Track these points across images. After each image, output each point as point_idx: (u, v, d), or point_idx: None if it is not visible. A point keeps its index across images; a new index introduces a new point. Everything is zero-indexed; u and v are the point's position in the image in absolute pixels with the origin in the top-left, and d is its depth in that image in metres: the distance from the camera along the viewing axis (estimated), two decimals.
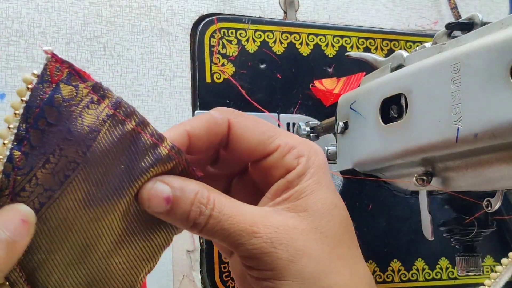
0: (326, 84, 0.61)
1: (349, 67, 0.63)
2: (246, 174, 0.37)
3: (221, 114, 0.33)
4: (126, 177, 0.29)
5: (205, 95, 0.58)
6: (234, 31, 0.60)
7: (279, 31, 0.62)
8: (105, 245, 0.29)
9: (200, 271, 0.56)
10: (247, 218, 0.31)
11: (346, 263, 0.33)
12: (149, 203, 0.30)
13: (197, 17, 0.60)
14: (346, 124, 0.46)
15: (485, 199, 0.40)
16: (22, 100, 0.28)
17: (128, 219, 0.30)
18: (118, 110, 0.28)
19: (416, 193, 0.44)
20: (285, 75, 0.62)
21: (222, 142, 0.34)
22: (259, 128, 0.34)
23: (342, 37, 0.64)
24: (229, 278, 0.56)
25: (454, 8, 0.71)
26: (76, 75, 0.28)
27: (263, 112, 0.59)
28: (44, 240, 0.28)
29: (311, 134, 0.57)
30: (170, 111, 0.58)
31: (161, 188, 0.30)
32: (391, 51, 0.65)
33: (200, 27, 0.59)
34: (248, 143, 0.33)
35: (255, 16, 0.62)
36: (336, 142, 0.48)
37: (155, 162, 0.29)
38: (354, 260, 0.34)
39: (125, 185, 0.29)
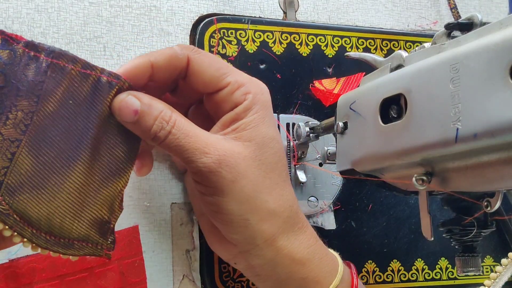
0: (326, 84, 0.61)
1: (348, 67, 0.63)
2: (201, 105, 0.43)
3: (182, 50, 0.38)
4: (79, 108, 0.34)
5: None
6: (233, 31, 0.60)
7: (279, 31, 0.62)
8: (79, 169, 0.34)
9: (200, 271, 0.56)
10: (201, 139, 0.37)
11: (276, 186, 0.40)
12: (120, 112, 0.35)
13: (196, 18, 0.60)
14: (345, 124, 0.46)
15: (485, 199, 0.40)
16: None
17: (92, 143, 0.34)
18: (54, 59, 0.33)
19: (416, 193, 0.44)
20: (285, 75, 0.62)
21: (181, 74, 0.39)
22: (214, 65, 0.39)
23: (341, 37, 0.64)
24: (229, 278, 0.56)
25: (453, 8, 0.71)
26: (9, 39, 0.32)
27: None
28: (24, 181, 0.33)
29: (311, 134, 0.57)
30: None
31: (132, 101, 0.35)
32: (390, 51, 0.65)
33: (199, 27, 0.59)
34: (203, 77, 0.39)
35: (254, 17, 0.62)
36: (336, 142, 0.48)
37: (98, 90, 0.34)
38: (282, 184, 0.40)
39: (79, 116, 0.34)
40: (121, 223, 0.52)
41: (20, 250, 0.48)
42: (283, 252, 0.41)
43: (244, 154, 0.37)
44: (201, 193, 0.39)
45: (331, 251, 0.46)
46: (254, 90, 0.39)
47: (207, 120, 0.42)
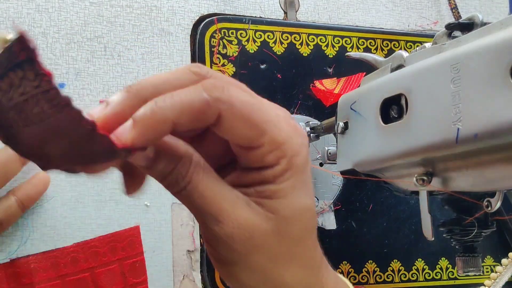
0: (326, 84, 0.61)
1: (349, 67, 0.63)
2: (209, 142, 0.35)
3: (214, 102, 0.29)
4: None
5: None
6: (234, 31, 0.60)
7: (280, 31, 0.62)
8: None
9: (200, 271, 0.56)
10: (216, 203, 0.31)
11: (299, 260, 0.34)
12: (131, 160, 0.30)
13: (197, 17, 0.60)
14: (346, 124, 0.46)
15: (485, 199, 0.40)
16: None
17: None
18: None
19: (416, 193, 0.44)
20: (285, 75, 0.62)
21: (209, 126, 0.31)
22: (249, 122, 0.31)
23: (342, 37, 0.64)
24: None
25: (454, 9, 0.71)
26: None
27: None
28: None
29: (311, 134, 0.57)
30: None
31: (145, 150, 0.29)
32: (391, 51, 0.65)
33: (200, 27, 0.59)
34: (234, 134, 0.31)
35: (255, 16, 0.62)
36: (336, 142, 0.48)
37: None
38: (305, 253, 0.35)
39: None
40: (122, 223, 0.52)
41: (20, 249, 0.48)
42: None
43: (263, 228, 0.32)
44: (210, 254, 0.34)
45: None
46: (291, 152, 0.32)
47: (224, 149, 0.35)
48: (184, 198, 0.31)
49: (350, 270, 0.61)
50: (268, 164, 0.32)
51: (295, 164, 0.32)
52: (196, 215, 0.32)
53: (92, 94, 0.55)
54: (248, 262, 0.32)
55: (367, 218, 0.63)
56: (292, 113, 0.61)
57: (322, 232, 0.61)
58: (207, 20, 0.59)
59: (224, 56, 0.59)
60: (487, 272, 0.65)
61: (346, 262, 0.61)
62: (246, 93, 0.31)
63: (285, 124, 0.32)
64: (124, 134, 0.28)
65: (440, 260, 0.65)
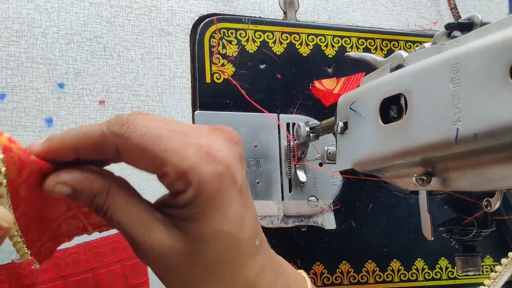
0: (326, 84, 0.61)
1: (348, 67, 0.63)
2: None
3: (110, 137, 0.32)
4: None
5: (205, 95, 0.59)
6: (234, 31, 0.60)
7: (279, 31, 0.62)
8: None
9: None
10: (132, 229, 0.34)
11: (217, 280, 0.35)
12: (51, 195, 0.33)
13: (197, 18, 0.60)
14: (345, 124, 0.46)
15: (485, 199, 0.40)
16: None
17: None
18: None
19: (416, 193, 0.44)
20: (285, 75, 0.62)
21: (112, 157, 0.34)
22: (148, 153, 0.32)
23: (341, 37, 0.64)
24: None
25: (453, 8, 0.71)
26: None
27: (263, 112, 0.59)
28: None
29: (311, 134, 0.57)
30: (170, 111, 0.58)
31: (63, 190, 0.33)
32: (390, 51, 0.65)
33: (200, 27, 0.59)
34: (138, 165, 0.33)
35: (255, 16, 0.62)
36: (336, 142, 0.48)
37: None
38: (228, 277, 0.35)
39: None
40: None
41: None
42: None
43: (178, 249, 0.33)
44: None
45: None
46: (197, 181, 0.32)
47: None
48: (108, 222, 0.35)
49: (349, 270, 0.61)
50: (177, 190, 0.33)
51: (204, 192, 0.32)
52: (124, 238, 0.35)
53: (92, 94, 0.55)
54: (168, 281, 0.35)
55: (367, 218, 0.63)
56: (291, 113, 0.61)
57: (321, 232, 0.61)
58: (207, 20, 0.59)
59: (224, 56, 0.59)
60: (487, 271, 0.65)
61: (345, 262, 0.61)
62: (157, 124, 0.33)
63: (193, 153, 0.32)
64: (34, 145, 0.33)
65: (439, 260, 0.65)
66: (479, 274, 0.48)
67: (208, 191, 0.33)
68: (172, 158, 0.32)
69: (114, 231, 0.53)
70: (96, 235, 0.51)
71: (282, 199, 0.59)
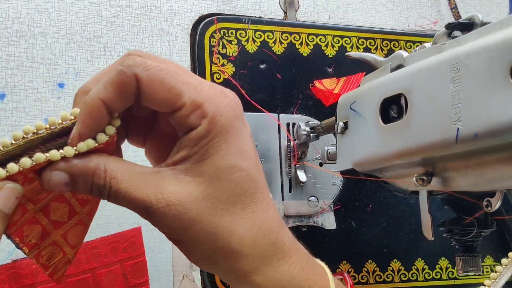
0: (326, 84, 0.61)
1: (349, 67, 0.63)
2: (159, 125, 0.38)
3: (128, 69, 0.32)
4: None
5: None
6: (234, 31, 0.60)
7: (279, 31, 0.62)
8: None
9: (200, 271, 0.56)
10: (141, 192, 0.32)
11: (239, 222, 0.34)
12: (50, 188, 0.32)
13: (197, 17, 0.60)
14: (346, 124, 0.46)
15: (485, 199, 0.40)
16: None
17: None
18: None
19: (416, 193, 0.44)
20: (285, 75, 0.62)
21: (136, 95, 0.34)
22: (166, 84, 0.33)
23: (342, 37, 0.64)
24: None
25: (454, 8, 0.71)
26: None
27: (263, 112, 0.59)
28: None
29: (311, 134, 0.57)
30: None
31: (58, 177, 0.32)
32: (391, 51, 0.65)
33: (200, 27, 0.59)
34: (155, 99, 0.33)
35: (255, 16, 0.62)
36: (336, 142, 0.48)
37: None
38: (249, 217, 0.35)
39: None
40: (122, 223, 0.52)
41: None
42: None
43: (194, 196, 0.33)
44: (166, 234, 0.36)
45: (326, 270, 0.41)
46: (212, 112, 0.33)
47: (168, 143, 0.37)
48: (116, 202, 0.33)
49: (350, 270, 0.61)
50: (191, 125, 0.33)
51: (218, 124, 0.33)
52: (133, 210, 0.33)
53: None
54: (190, 236, 0.33)
55: (367, 218, 0.63)
56: (291, 113, 0.61)
57: (322, 232, 0.61)
58: (207, 20, 0.59)
59: (224, 56, 0.59)
60: (487, 272, 0.65)
61: (345, 262, 0.61)
62: (170, 64, 0.34)
63: (208, 88, 0.34)
64: (72, 134, 0.32)
65: (440, 260, 0.65)
66: (479, 274, 0.48)
67: (222, 123, 0.33)
68: (189, 90, 0.33)
69: (113, 231, 0.53)
70: (96, 235, 0.51)
71: (282, 199, 0.59)
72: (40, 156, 0.31)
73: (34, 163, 0.31)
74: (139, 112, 0.37)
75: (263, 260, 0.36)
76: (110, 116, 0.33)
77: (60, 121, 0.32)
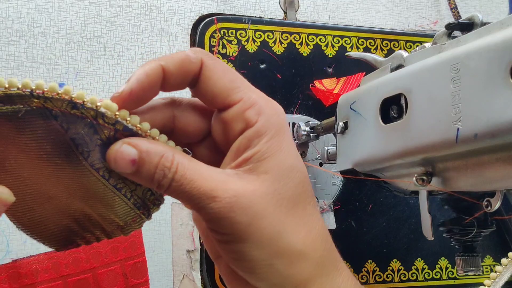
0: (326, 84, 0.61)
1: (349, 67, 0.63)
2: (209, 137, 0.38)
3: (195, 54, 0.34)
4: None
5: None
6: (234, 31, 0.60)
7: (279, 31, 0.62)
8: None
9: (200, 271, 0.56)
10: (208, 183, 0.32)
11: (302, 222, 0.34)
12: (115, 164, 0.32)
13: (197, 17, 0.60)
14: (346, 124, 0.46)
15: (485, 199, 0.40)
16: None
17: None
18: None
19: (416, 193, 0.44)
20: (285, 75, 0.62)
21: (193, 80, 0.34)
22: (228, 75, 0.34)
23: (342, 37, 0.64)
24: None
25: (454, 8, 0.71)
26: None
27: None
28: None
29: (311, 134, 0.57)
30: None
31: (128, 151, 0.31)
32: (391, 51, 0.65)
33: (200, 27, 0.59)
34: (215, 87, 0.34)
35: (255, 16, 0.62)
36: (336, 142, 0.48)
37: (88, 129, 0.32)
38: (310, 219, 0.35)
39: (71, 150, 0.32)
40: None
41: (21, 250, 0.48)
42: None
43: (260, 191, 0.32)
44: (219, 242, 0.34)
45: None
46: (269, 111, 0.34)
47: (216, 155, 0.38)
48: (176, 191, 0.32)
49: (349, 270, 0.61)
50: (248, 120, 0.33)
51: (275, 123, 0.34)
52: (192, 203, 0.32)
53: (92, 94, 0.55)
54: (254, 233, 0.32)
55: (367, 218, 0.63)
56: (291, 112, 0.61)
57: None
58: (207, 20, 0.59)
59: (224, 56, 0.59)
60: (487, 271, 0.65)
61: (345, 262, 0.61)
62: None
63: (258, 91, 0.35)
64: (122, 88, 0.32)
65: (439, 260, 0.65)
66: (479, 274, 0.48)
67: (279, 123, 0.34)
68: (245, 88, 0.35)
69: None
70: None
71: None
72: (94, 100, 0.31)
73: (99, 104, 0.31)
74: (184, 121, 0.37)
75: (321, 268, 0.35)
76: (165, 88, 0.34)
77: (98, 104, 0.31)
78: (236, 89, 0.34)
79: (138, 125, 0.32)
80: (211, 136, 0.37)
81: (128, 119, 0.32)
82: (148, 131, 0.33)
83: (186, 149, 0.34)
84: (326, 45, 0.64)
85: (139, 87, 0.32)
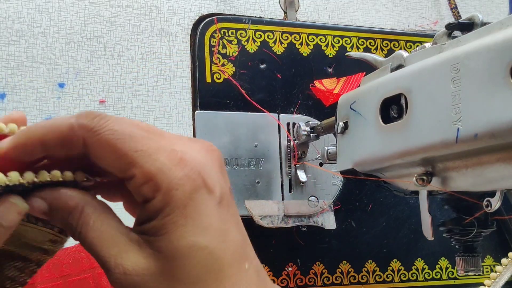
0: (326, 84, 0.61)
1: (349, 67, 0.63)
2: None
3: (79, 127, 0.31)
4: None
5: (205, 95, 0.59)
6: (234, 31, 0.60)
7: (279, 31, 0.62)
8: None
9: None
10: (104, 251, 0.32)
11: None
12: (31, 210, 0.32)
13: (197, 17, 0.60)
14: (346, 124, 0.46)
15: (485, 199, 0.40)
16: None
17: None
18: None
19: (416, 193, 0.44)
20: (285, 75, 0.62)
21: (79, 155, 0.32)
22: (115, 150, 0.30)
23: (342, 37, 0.64)
24: None
25: (454, 9, 0.71)
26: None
27: (264, 112, 0.59)
28: None
29: (311, 134, 0.57)
30: (170, 111, 0.58)
31: (39, 204, 0.32)
32: (391, 51, 0.65)
33: (200, 27, 0.59)
34: (104, 164, 0.31)
35: (255, 16, 0.62)
36: (336, 142, 0.48)
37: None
38: None
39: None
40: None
41: None
42: None
43: (152, 270, 0.31)
44: None
45: None
46: (167, 185, 0.30)
47: None
48: (82, 244, 0.33)
49: (349, 270, 0.61)
50: (145, 196, 0.31)
51: (174, 199, 0.30)
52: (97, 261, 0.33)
53: (92, 94, 0.55)
54: None
55: (367, 218, 0.63)
56: (291, 113, 0.61)
57: (322, 232, 0.61)
58: (207, 20, 0.59)
59: (224, 56, 0.59)
60: (487, 272, 0.65)
61: (345, 262, 0.61)
62: (131, 123, 0.31)
63: (165, 156, 0.31)
64: (3, 143, 0.31)
65: (440, 260, 0.65)
66: (479, 274, 0.48)
67: (179, 197, 0.30)
68: (141, 159, 0.30)
69: None
70: None
71: (282, 199, 0.59)
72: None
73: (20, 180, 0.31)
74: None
75: None
76: (45, 154, 0.32)
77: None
78: (128, 165, 0.30)
79: (35, 179, 0.31)
80: None
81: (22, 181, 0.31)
82: (48, 178, 0.32)
83: (88, 176, 0.33)
84: (326, 45, 0.64)
85: (16, 153, 0.32)
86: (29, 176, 0.31)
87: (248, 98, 0.59)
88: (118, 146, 0.30)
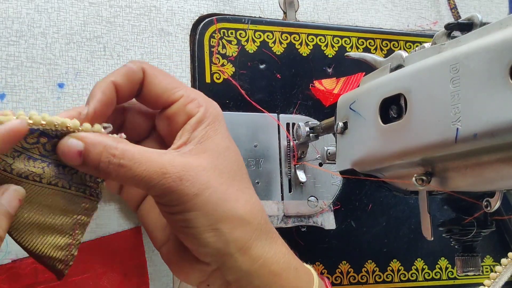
0: (326, 84, 0.61)
1: (348, 67, 0.63)
2: (153, 134, 0.44)
3: (135, 64, 0.40)
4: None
5: (205, 95, 0.58)
6: (233, 31, 0.60)
7: (279, 32, 0.62)
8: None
9: None
10: (156, 162, 0.36)
11: (242, 193, 0.39)
12: (65, 157, 0.35)
13: (196, 18, 0.60)
14: (345, 124, 0.47)
15: (485, 199, 0.40)
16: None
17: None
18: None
19: (416, 193, 0.44)
20: (285, 75, 0.62)
21: (139, 89, 0.40)
22: (166, 79, 0.41)
23: (341, 37, 0.64)
24: None
25: (453, 9, 0.71)
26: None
27: (263, 112, 0.59)
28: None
29: (311, 134, 0.57)
30: None
31: (74, 144, 0.35)
32: (390, 51, 0.65)
33: (200, 27, 0.59)
34: (157, 90, 0.40)
35: (254, 17, 0.62)
36: (336, 142, 0.48)
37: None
38: (247, 191, 0.40)
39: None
40: (122, 224, 0.52)
41: (21, 250, 0.48)
42: (259, 262, 0.39)
43: (203, 166, 0.38)
44: (168, 213, 0.39)
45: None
46: (206, 104, 0.40)
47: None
48: (124, 175, 0.36)
49: (349, 270, 0.61)
50: (190, 112, 0.39)
51: (213, 113, 0.40)
52: (140, 183, 0.36)
53: None
54: (201, 202, 0.37)
55: (367, 218, 0.63)
56: (291, 113, 0.61)
57: (321, 232, 0.61)
58: (207, 20, 0.59)
59: (224, 56, 0.59)
60: (487, 272, 0.65)
61: (345, 262, 0.61)
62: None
63: (194, 91, 0.42)
64: (86, 107, 0.38)
65: (439, 260, 0.65)
66: (479, 274, 0.48)
67: (215, 113, 0.40)
68: (184, 87, 0.41)
69: (113, 231, 0.53)
70: (96, 235, 0.51)
71: (282, 199, 0.59)
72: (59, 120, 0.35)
73: (56, 124, 0.35)
74: (132, 122, 0.44)
75: (260, 232, 0.39)
76: (118, 100, 0.39)
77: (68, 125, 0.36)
78: (176, 89, 0.40)
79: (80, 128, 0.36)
80: (155, 132, 0.44)
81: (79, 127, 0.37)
82: (90, 128, 0.36)
83: (105, 124, 0.38)
84: (326, 45, 0.64)
85: (101, 106, 0.37)
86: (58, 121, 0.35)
87: (248, 98, 0.59)
88: (168, 76, 0.41)
